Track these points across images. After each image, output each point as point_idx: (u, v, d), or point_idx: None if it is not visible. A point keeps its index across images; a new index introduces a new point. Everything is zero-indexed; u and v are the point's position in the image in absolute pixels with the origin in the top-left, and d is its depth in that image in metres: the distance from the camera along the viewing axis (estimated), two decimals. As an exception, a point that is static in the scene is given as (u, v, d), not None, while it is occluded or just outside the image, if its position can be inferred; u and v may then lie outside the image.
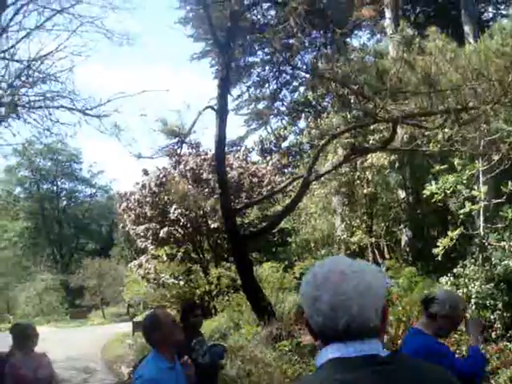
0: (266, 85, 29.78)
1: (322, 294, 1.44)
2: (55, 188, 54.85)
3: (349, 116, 13.46)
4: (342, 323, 1.41)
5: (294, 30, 12.60)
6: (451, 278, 9.67)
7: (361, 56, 11.06)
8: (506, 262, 9.16)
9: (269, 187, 19.77)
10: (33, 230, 51.67)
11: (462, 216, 10.73)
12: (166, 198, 18.77)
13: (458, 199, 11.07)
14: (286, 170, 26.10)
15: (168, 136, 11.17)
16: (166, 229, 19.45)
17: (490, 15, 24.07)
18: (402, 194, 16.08)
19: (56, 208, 53.76)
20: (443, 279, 9.87)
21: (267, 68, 29.36)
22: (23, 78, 15.61)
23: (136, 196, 20.26)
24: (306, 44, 22.61)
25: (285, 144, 29.61)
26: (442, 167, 11.57)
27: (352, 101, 11.12)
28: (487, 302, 8.77)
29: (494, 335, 8.53)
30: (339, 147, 14.72)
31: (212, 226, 18.96)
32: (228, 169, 16.47)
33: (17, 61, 15.51)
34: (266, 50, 27.06)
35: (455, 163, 11.06)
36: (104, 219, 54.66)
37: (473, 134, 9.51)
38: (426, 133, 10.86)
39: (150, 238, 20.11)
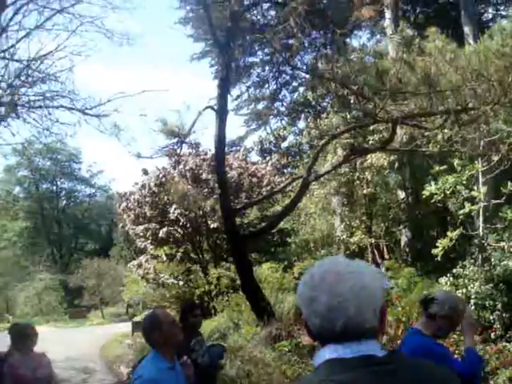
0: (266, 85, 29.79)
1: (319, 294, 1.44)
2: (55, 188, 54.89)
3: (348, 116, 13.48)
4: (339, 324, 1.41)
5: (294, 31, 12.58)
6: (450, 278, 9.68)
7: (360, 56, 11.07)
8: (505, 262, 9.17)
9: (268, 187, 19.77)
10: (32, 230, 51.67)
11: (461, 216, 10.74)
12: (165, 198, 18.76)
13: (458, 200, 11.07)
14: (285, 171, 26.08)
15: (168, 136, 11.17)
16: (165, 229, 19.45)
17: (490, 16, 24.11)
18: (401, 194, 16.09)
19: (55, 208, 53.79)
20: (443, 280, 9.87)
21: (267, 68, 29.36)
22: (23, 78, 15.59)
23: (135, 196, 20.26)
24: (306, 44, 22.57)
25: (284, 144, 29.67)
26: (441, 168, 11.58)
27: (352, 101, 11.14)
28: (486, 302, 8.78)
29: (493, 336, 8.54)
30: (339, 147, 14.73)
31: (211, 226, 18.97)
32: (227, 169, 16.48)
33: (16, 60, 15.50)
34: (266, 50, 27.06)
35: (455, 164, 11.06)
36: (103, 219, 54.68)
37: (472, 135, 9.52)
38: (426, 133, 10.87)
39: (150, 238, 20.11)
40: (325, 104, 23.77)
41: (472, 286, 9.12)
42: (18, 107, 15.21)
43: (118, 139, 14.98)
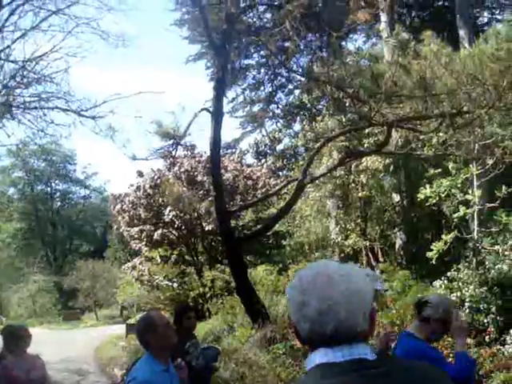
0: (262, 87, 29.80)
1: (309, 299, 1.43)
2: (49, 189, 54.67)
3: (344, 119, 13.50)
4: (329, 328, 1.40)
5: (290, 33, 12.61)
6: (445, 281, 9.69)
7: (356, 59, 11.12)
8: (499, 265, 9.19)
9: (263, 190, 19.80)
10: (26, 231, 51.48)
11: (456, 220, 10.75)
12: (160, 199, 18.77)
13: (452, 203, 11.09)
14: (280, 173, 26.12)
15: (163, 138, 11.15)
16: (160, 231, 19.45)
17: (485, 20, 24.20)
18: (396, 197, 16.11)
19: (50, 209, 53.58)
20: (437, 283, 9.88)
21: (263, 71, 29.37)
22: (18, 79, 15.58)
23: (130, 198, 20.24)
24: (302, 47, 22.63)
25: (280, 147, 29.67)
26: (436, 171, 11.59)
27: (347, 104, 11.15)
28: (481, 305, 8.79)
29: (487, 339, 8.55)
30: (334, 150, 14.74)
31: (206, 229, 18.97)
32: (223, 171, 16.47)
33: (12, 61, 15.49)
34: (262, 52, 27.07)
35: (449, 167, 11.07)
36: (98, 221, 54.50)
37: (467, 138, 9.54)
38: (421, 136, 10.89)
39: (144, 239, 20.09)
40: (320, 107, 23.78)
41: (466, 289, 9.12)
42: (13, 108, 15.20)
43: (113, 141, 15.00)
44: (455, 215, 10.65)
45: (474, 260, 9.89)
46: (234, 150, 29.11)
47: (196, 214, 18.67)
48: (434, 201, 11.07)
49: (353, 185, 15.97)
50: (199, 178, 19.18)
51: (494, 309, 8.70)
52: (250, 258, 19.78)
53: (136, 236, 20.30)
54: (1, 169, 48.89)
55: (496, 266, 9.23)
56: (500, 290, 8.86)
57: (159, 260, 20.14)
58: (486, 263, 9.54)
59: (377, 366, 1.39)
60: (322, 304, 1.41)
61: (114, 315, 37.84)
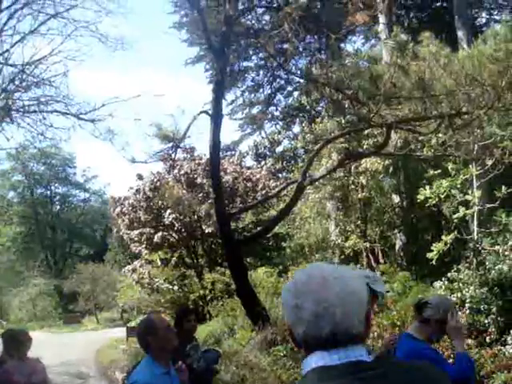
0: (261, 89, 29.83)
1: (304, 301, 1.42)
2: (49, 193, 54.62)
3: (343, 121, 13.51)
4: (325, 331, 1.39)
5: (289, 35, 12.62)
6: (445, 282, 9.68)
7: (355, 61, 11.12)
8: (499, 266, 9.18)
9: (263, 192, 19.78)
10: (26, 235, 51.44)
11: (455, 220, 10.76)
12: (160, 202, 18.76)
13: (452, 204, 11.10)
14: (280, 175, 26.11)
15: (162, 140, 11.16)
16: (160, 233, 19.44)
17: (484, 21, 24.22)
18: (396, 198, 16.12)
19: (49, 213, 53.54)
20: (437, 284, 9.87)
21: (261, 73, 29.41)
22: (17, 83, 15.58)
23: (130, 201, 20.23)
24: (301, 49, 22.68)
25: (279, 149, 29.70)
26: (435, 172, 11.60)
27: (346, 106, 11.14)
28: (481, 306, 8.77)
29: (488, 339, 8.54)
30: (333, 152, 14.74)
31: (206, 231, 18.95)
32: (222, 173, 16.47)
33: (11, 65, 15.49)
34: (261, 54, 27.10)
35: (449, 168, 11.08)
36: (98, 224, 54.44)
37: (466, 139, 9.56)
38: (420, 138, 10.90)
39: (144, 242, 20.08)
40: (319, 108, 23.82)
41: (467, 289, 9.11)
42: (13, 112, 15.21)
43: (113, 144, 15.00)
44: (455, 216, 10.66)
45: (474, 260, 9.89)
46: (233, 153, 29.13)
47: (196, 217, 18.67)
48: (434, 202, 11.08)
49: (352, 186, 15.97)
50: (199, 180, 19.18)
51: (494, 309, 8.69)
52: (250, 260, 19.77)
53: (136, 239, 20.28)
54: (0, 172, 48.86)
55: (496, 267, 9.21)
56: (500, 290, 8.84)
57: (159, 263, 20.14)
58: (486, 264, 9.53)
59: (374, 367, 1.38)
60: (317, 307, 1.40)
61: (115, 318, 37.76)
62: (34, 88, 15.98)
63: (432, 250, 10.57)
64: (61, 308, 42.27)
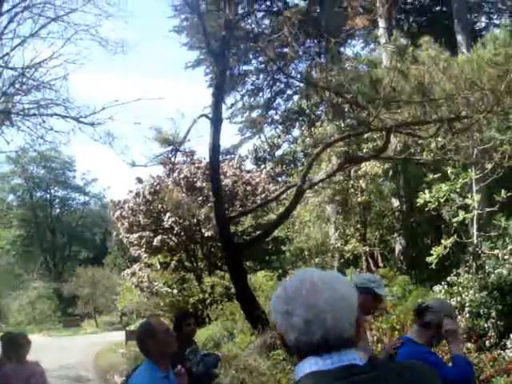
0: (260, 93, 29.84)
1: (294, 308, 1.41)
2: (48, 196, 54.62)
3: (343, 125, 13.54)
4: (316, 337, 1.39)
5: (288, 39, 12.64)
6: (445, 286, 9.68)
7: (354, 65, 11.16)
8: (499, 270, 9.18)
9: (263, 195, 19.77)
10: (26, 238, 51.39)
11: (455, 224, 10.77)
12: (159, 206, 18.75)
13: (452, 208, 11.11)
14: (279, 179, 26.09)
15: (162, 144, 11.16)
16: (159, 237, 19.42)
17: (483, 25, 24.25)
18: (395, 202, 16.13)
19: (49, 216, 53.51)
20: (437, 288, 9.87)
21: (261, 77, 29.42)
22: (17, 86, 15.57)
23: (130, 204, 20.22)
24: (300, 53, 22.66)
25: (279, 152, 29.69)
26: (435, 176, 11.61)
27: (346, 110, 11.17)
28: (481, 310, 8.77)
29: (487, 344, 8.53)
30: (333, 156, 14.76)
31: (206, 235, 18.95)
32: (222, 177, 16.46)
33: (11, 68, 15.48)
34: (261, 58, 27.12)
35: (448, 172, 11.10)
36: (97, 227, 54.41)
37: (466, 143, 9.57)
38: (420, 141, 10.91)
39: (144, 246, 20.06)
40: (319, 112, 23.86)
41: (466, 293, 9.12)
42: (12, 115, 15.19)
43: (112, 147, 14.98)
44: (454, 220, 10.67)
45: (474, 264, 9.89)
46: (233, 156, 29.10)
47: (195, 220, 18.67)
48: (434, 205, 11.09)
49: (352, 190, 15.98)
50: (198, 184, 19.18)
51: (494, 313, 8.68)
52: (250, 264, 19.76)
53: (135, 242, 20.26)
54: (0, 175, 48.84)
55: (496, 271, 9.21)
56: (500, 294, 8.84)
57: (159, 266, 20.13)
58: (486, 268, 9.53)
59: (367, 371, 1.39)
60: (307, 313, 1.40)
61: (114, 322, 37.75)
62: (34, 91, 15.98)
63: (431, 254, 10.58)
64: (60, 311, 42.23)
